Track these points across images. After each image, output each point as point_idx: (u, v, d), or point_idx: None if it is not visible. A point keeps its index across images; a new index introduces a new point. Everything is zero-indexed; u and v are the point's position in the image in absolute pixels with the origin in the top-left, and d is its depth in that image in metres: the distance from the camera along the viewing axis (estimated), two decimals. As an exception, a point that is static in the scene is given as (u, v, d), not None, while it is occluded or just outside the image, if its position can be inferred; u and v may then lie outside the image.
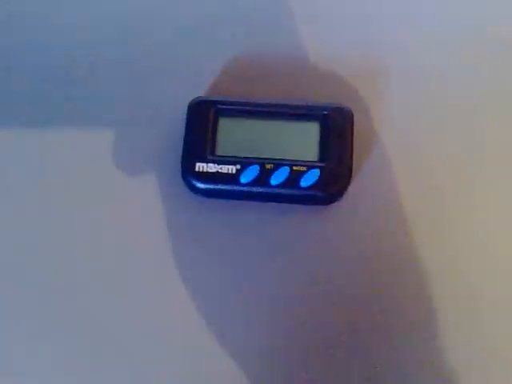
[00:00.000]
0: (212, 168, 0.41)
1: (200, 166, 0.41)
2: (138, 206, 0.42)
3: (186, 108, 0.42)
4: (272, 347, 0.39)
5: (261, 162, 0.40)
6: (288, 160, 0.40)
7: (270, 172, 0.40)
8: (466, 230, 0.42)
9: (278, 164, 0.40)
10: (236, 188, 0.40)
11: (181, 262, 0.41)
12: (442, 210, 0.42)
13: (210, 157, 0.41)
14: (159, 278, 0.41)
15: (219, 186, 0.41)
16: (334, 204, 0.42)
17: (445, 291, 0.40)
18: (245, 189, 0.40)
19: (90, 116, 0.45)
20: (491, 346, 0.39)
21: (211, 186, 0.41)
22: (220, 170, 0.40)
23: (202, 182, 0.41)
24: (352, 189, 0.42)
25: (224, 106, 0.42)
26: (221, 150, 0.41)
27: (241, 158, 0.41)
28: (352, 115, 0.42)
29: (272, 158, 0.41)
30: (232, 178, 0.40)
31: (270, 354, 0.39)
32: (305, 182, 0.40)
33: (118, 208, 0.42)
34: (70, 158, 0.44)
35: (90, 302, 0.40)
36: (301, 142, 0.41)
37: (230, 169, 0.40)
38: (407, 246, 0.41)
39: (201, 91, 0.45)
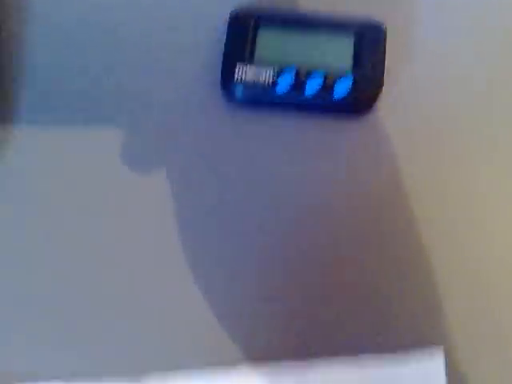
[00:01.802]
0: (250, 76, 0.43)
1: (239, 74, 0.43)
2: (178, 118, 0.44)
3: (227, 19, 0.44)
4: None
5: (296, 70, 0.42)
6: (322, 68, 0.42)
7: (305, 80, 0.42)
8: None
9: (313, 72, 0.42)
10: (272, 96, 0.43)
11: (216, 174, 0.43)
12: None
13: (248, 65, 0.43)
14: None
15: (256, 94, 0.43)
16: (365, 116, 0.44)
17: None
18: (280, 94, 0.42)
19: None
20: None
21: (249, 94, 0.43)
22: (257, 79, 0.43)
23: (240, 90, 0.43)
24: (382, 104, 0.43)
25: (263, 18, 0.44)
26: (259, 59, 0.43)
27: (277, 65, 0.43)
28: (385, 31, 0.44)
29: (307, 65, 0.43)
30: (268, 87, 0.42)
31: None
32: (338, 91, 0.42)
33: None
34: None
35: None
36: (335, 53, 0.43)
37: (267, 77, 0.42)
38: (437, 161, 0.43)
39: (241, 3, 0.46)
